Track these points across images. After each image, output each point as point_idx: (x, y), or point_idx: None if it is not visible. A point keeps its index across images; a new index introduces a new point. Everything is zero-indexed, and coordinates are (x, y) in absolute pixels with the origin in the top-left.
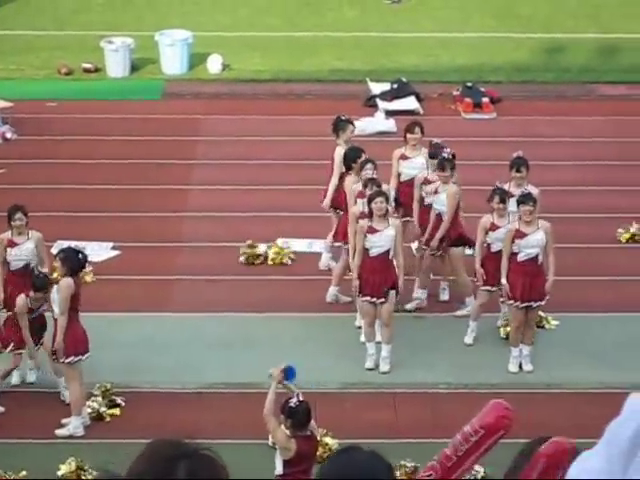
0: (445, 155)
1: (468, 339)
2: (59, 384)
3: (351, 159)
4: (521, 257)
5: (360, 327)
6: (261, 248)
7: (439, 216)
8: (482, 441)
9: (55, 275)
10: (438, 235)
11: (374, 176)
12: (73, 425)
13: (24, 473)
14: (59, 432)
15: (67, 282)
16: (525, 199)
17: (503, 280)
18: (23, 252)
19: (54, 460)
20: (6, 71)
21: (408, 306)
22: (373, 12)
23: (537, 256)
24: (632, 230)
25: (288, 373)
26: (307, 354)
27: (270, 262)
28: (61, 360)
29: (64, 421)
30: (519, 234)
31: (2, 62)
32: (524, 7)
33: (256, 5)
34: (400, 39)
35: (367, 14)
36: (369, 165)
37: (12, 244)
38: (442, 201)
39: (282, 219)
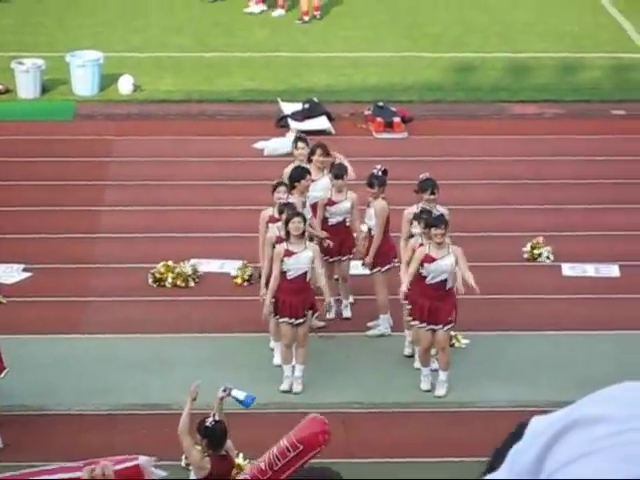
0: (374, 172)
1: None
2: None
3: (295, 179)
4: (429, 280)
5: (273, 349)
6: (175, 269)
7: (370, 231)
8: (300, 456)
9: None
10: (372, 252)
11: (288, 200)
12: None
13: None
14: None
15: None
16: (437, 222)
17: (404, 287)
18: None
19: None
20: None
21: (369, 333)
22: (284, 32)
23: (446, 280)
24: (539, 248)
25: (246, 400)
26: (219, 375)
27: (181, 283)
28: None
29: None
30: (428, 258)
31: None
32: (434, 26)
33: (167, 25)
34: (311, 59)
35: (278, 34)
36: (282, 188)
37: None
38: (370, 216)
39: (195, 240)
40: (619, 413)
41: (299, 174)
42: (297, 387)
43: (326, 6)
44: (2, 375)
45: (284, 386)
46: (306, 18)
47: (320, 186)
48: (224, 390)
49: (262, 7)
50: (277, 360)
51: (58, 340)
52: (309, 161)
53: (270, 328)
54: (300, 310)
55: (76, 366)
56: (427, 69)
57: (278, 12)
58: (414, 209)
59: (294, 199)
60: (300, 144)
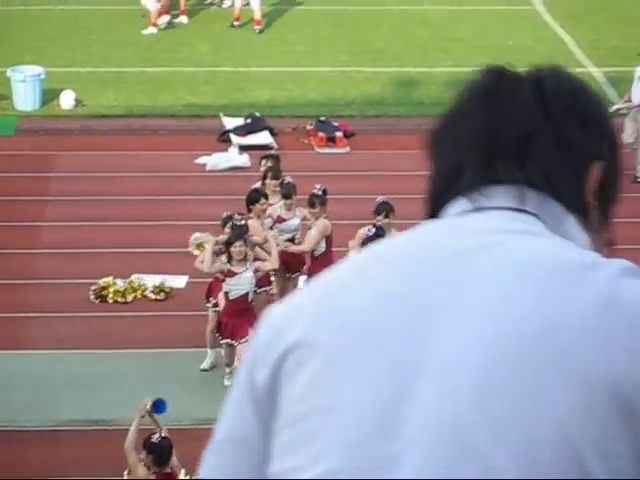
0: (314, 191)
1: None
2: None
3: (249, 202)
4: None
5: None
6: (117, 284)
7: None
8: None
9: None
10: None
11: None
12: None
13: None
14: None
15: None
16: None
17: None
18: None
19: None
20: None
21: None
22: (226, 47)
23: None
24: None
25: (158, 406)
26: (162, 390)
27: (121, 299)
28: None
29: None
30: None
31: None
32: (376, 42)
33: (109, 40)
34: (253, 74)
35: (220, 49)
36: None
37: None
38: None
39: (137, 255)
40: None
41: (253, 198)
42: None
43: (268, 20)
44: None
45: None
46: (236, 23)
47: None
48: (145, 405)
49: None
50: (205, 365)
51: (1, 356)
52: (263, 184)
53: (206, 336)
54: (242, 331)
55: (18, 382)
56: (369, 83)
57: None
58: (366, 230)
59: (252, 222)
60: (263, 162)
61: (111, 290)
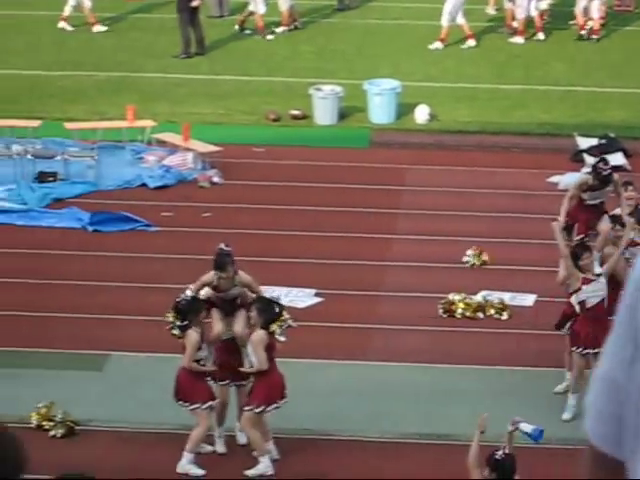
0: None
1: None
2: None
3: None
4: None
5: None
6: (466, 299)
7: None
8: None
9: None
10: None
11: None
12: (264, 465)
13: None
14: (250, 472)
15: (261, 335)
16: None
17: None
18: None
19: None
20: (215, 115)
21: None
22: (581, 66)
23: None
24: None
25: (535, 433)
26: (504, 408)
27: (471, 314)
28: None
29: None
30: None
31: (211, 106)
32: None
33: (464, 57)
34: (608, 94)
35: (575, 68)
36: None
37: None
38: None
39: (486, 272)
40: None
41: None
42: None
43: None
44: (270, 408)
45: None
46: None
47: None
48: (513, 424)
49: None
50: (559, 388)
51: (344, 366)
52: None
53: (565, 358)
54: (598, 340)
55: (361, 392)
56: None
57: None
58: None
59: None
60: (630, 187)
61: (460, 305)
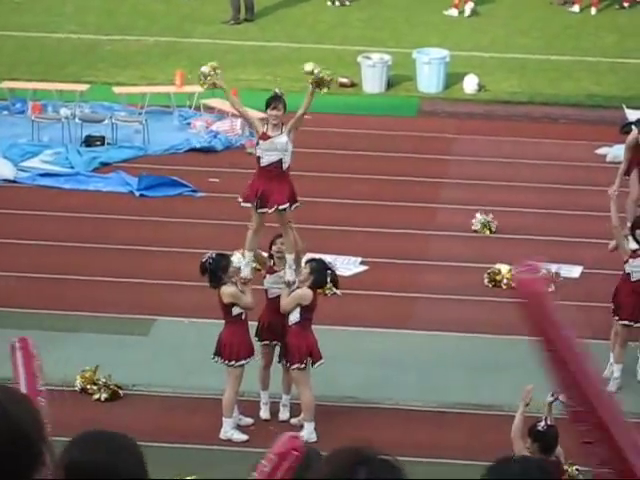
0: None
1: (611, 387)
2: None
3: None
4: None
5: None
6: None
7: None
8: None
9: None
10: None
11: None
12: (307, 431)
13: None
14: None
15: (308, 293)
16: None
17: None
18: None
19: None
20: (263, 82)
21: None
22: (632, 38)
23: None
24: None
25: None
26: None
27: (514, 284)
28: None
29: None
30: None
31: (260, 72)
32: None
33: (514, 26)
34: None
35: (626, 40)
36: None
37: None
38: None
39: (530, 242)
40: None
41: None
42: None
43: None
44: (316, 364)
45: (611, 387)
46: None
47: None
48: (552, 395)
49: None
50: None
51: (389, 334)
52: None
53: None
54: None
55: (405, 361)
56: None
57: None
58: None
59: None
60: None
61: (506, 275)
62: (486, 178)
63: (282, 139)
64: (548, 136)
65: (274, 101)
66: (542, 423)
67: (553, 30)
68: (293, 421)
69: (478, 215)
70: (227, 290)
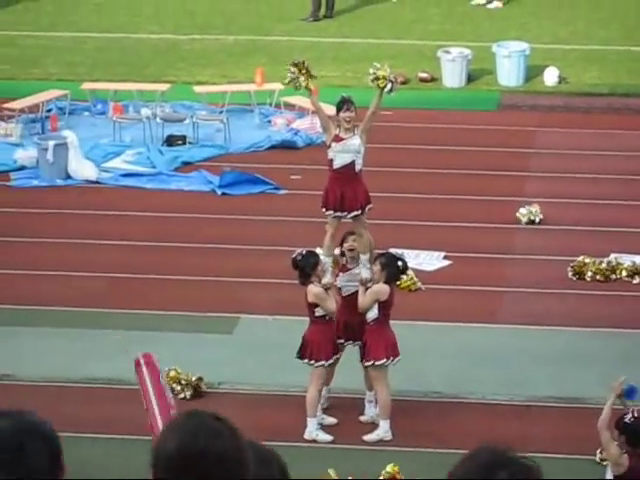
0: None
1: None
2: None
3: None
4: None
5: None
6: (597, 262)
7: None
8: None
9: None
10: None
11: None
12: (383, 430)
13: None
14: (368, 437)
15: (384, 288)
16: None
17: None
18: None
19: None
20: (342, 78)
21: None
22: None
23: None
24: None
25: (630, 392)
26: (635, 371)
27: (601, 277)
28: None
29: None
30: None
31: (339, 69)
32: None
33: (594, 18)
34: None
35: None
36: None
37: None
38: None
39: (613, 234)
40: None
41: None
42: None
43: None
44: (394, 361)
45: None
46: None
47: None
48: (622, 386)
49: None
50: None
51: (473, 329)
52: None
53: None
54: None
55: (490, 355)
56: None
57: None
58: None
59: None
60: None
61: (591, 268)
62: (569, 171)
63: (355, 141)
64: (630, 128)
65: (345, 104)
66: (629, 415)
67: (633, 21)
68: (363, 418)
69: (522, 209)
70: (313, 289)
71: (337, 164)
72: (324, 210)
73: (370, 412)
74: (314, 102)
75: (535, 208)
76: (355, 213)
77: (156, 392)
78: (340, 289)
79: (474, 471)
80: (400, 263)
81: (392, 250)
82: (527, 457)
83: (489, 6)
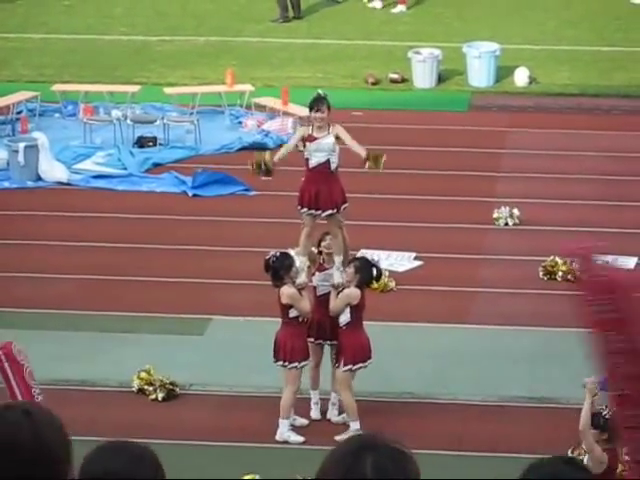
0: None
1: None
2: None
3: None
4: None
5: None
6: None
7: None
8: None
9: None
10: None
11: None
12: (354, 430)
13: None
14: (340, 438)
15: (356, 293)
16: None
17: None
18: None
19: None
20: (314, 79)
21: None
22: None
23: None
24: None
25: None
26: None
27: (572, 278)
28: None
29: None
30: None
31: (310, 70)
32: None
33: (564, 18)
34: None
35: None
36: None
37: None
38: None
39: (586, 235)
40: None
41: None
42: None
43: None
44: (366, 364)
45: None
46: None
47: None
48: (585, 384)
49: None
50: None
51: (445, 329)
52: None
53: None
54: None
55: (463, 356)
56: None
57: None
58: None
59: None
60: None
61: (562, 268)
62: (540, 171)
63: (329, 140)
64: (600, 128)
65: (317, 103)
66: (605, 412)
67: (603, 21)
68: (335, 419)
69: (503, 208)
70: (287, 291)
71: (312, 163)
72: (299, 208)
73: (332, 415)
74: (281, 155)
75: (515, 211)
76: (330, 212)
77: (22, 390)
78: (315, 288)
79: (342, 458)
80: (374, 270)
81: (367, 254)
82: (398, 442)
83: (393, 10)
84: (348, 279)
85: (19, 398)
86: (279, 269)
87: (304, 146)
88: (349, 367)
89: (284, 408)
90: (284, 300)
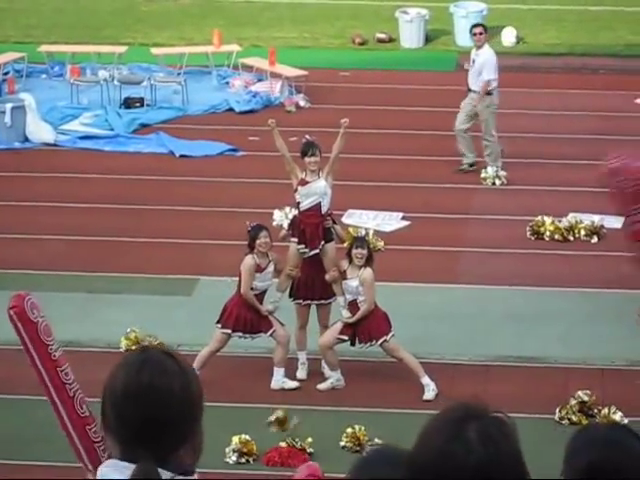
0: None
1: None
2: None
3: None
4: None
5: None
6: (555, 222)
7: None
8: None
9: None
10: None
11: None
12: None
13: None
14: (321, 386)
15: (371, 273)
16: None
17: None
18: None
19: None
20: (301, 39)
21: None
22: None
23: None
24: None
25: None
26: (595, 329)
27: (559, 237)
28: None
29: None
30: None
31: (297, 30)
32: None
33: None
34: None
35: None
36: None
37: None
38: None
39: (572, 194)
40: None
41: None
42: None
43: None
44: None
45: None
46: None
47: None
48: None
49: None
50: None
51: (433, 289)
52: None
53: None
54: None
55: (450, 316)
56: None
57: None
58: None
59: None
60: None
61: (549, 227)
62: (527, 130)
63: (320, 184)
64: (588, 87)
65: (310, 148)
66: None
67: None
68: (321, 386)
69: (489, 168)
70: (245, 261)
71: (303, 206)
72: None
73: (301, 375)
74: (281, 146)
75: (502, 172)
76: (315, 251)
77: (37, 349)
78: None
79: (445, 426)
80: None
81: (354, 214)
82: (501, 411)
83: None
84: (358, 263)
85: (35, 359)
86: (250, 239)
87: (296, 190)
88: (392, 334)
89: (198, 360)
90: (241, 267)
